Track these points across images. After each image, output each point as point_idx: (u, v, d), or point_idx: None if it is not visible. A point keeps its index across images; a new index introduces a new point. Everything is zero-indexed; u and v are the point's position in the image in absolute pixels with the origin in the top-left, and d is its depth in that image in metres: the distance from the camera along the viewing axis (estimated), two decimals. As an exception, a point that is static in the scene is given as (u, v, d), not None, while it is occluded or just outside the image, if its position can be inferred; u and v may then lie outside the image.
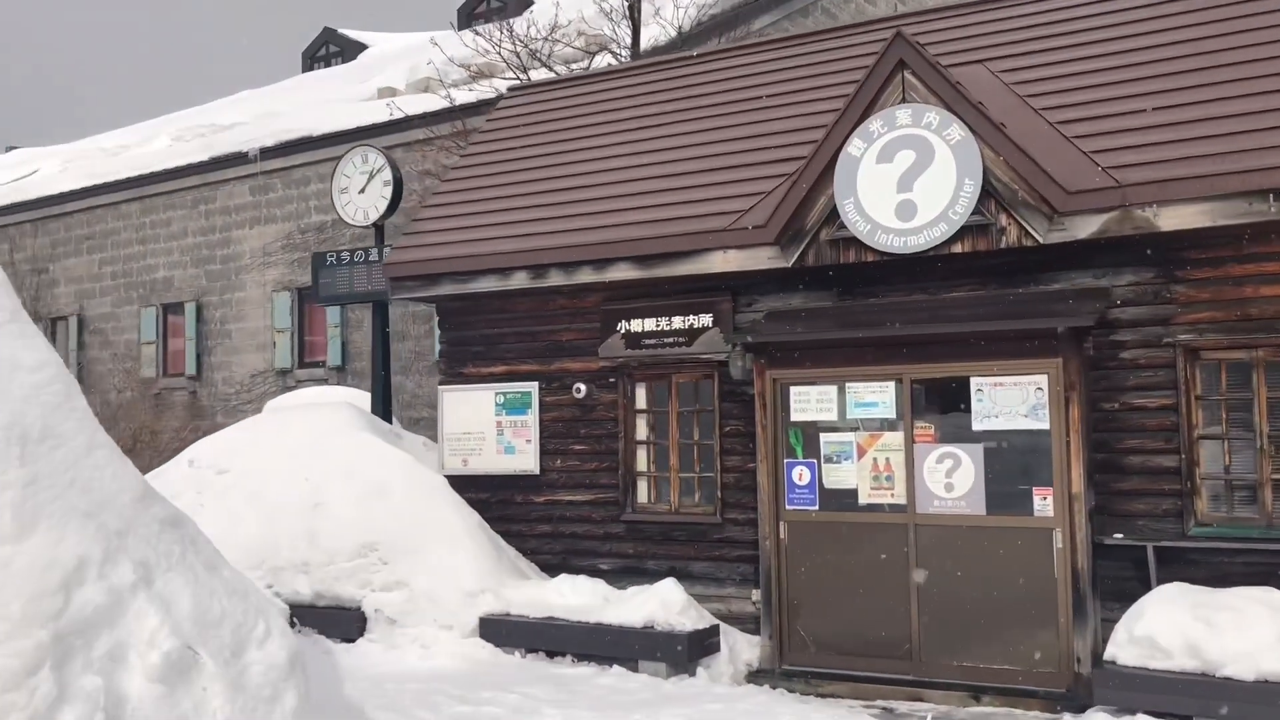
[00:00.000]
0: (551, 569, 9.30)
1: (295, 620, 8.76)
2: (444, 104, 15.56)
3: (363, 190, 10.62)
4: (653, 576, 8.83)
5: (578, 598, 8.39)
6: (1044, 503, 7.42)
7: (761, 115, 9.39)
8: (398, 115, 15.29)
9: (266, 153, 18.71)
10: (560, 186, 9.64)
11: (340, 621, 8.69)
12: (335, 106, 20.04)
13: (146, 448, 15.97)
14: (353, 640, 8.60)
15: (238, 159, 19.27)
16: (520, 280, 9.19)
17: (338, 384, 16.68)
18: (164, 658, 4.45)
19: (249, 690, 4.78)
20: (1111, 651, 6.78)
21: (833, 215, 8.07)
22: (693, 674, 7.84)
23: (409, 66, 20.19)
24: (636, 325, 9.06)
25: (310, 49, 27.14)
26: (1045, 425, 7.41)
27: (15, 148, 30.11)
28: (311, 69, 26.88)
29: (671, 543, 9.01)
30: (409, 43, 19.79)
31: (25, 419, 4.36)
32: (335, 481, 9.04)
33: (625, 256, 8.78)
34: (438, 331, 10.22)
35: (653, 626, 7.93)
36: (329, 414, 9.81)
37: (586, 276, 8.96)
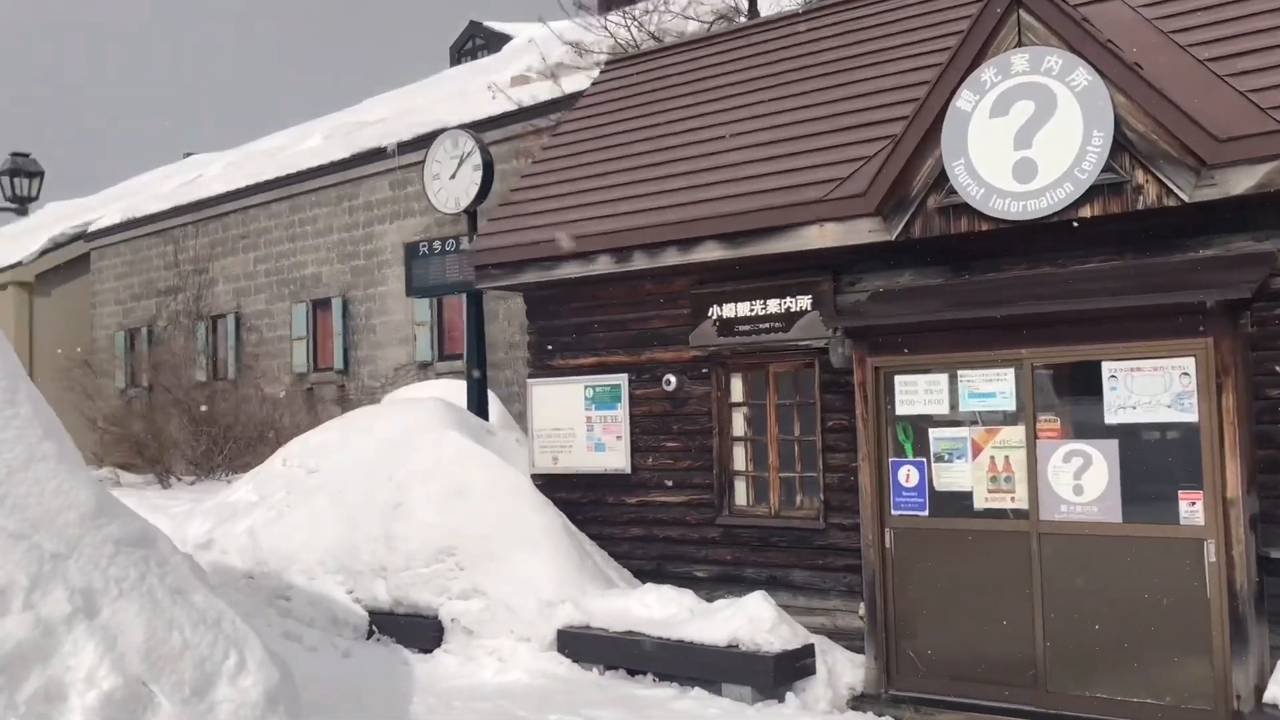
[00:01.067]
0: (645, 576, 8.53)
1: (374, 628, 8.29)
2: (576, 88, 14.98)
3: (453, 176, 10.05)
4: (751, 585, 7.97)
5: (663, 610, 7.59)
6: (1192, 509, 6.17)
7: (863, 74, 8.34)
8: (509, 105, 14.73)
9: (404, 147, 18.53)
10: (646, 163, 8.83)
11: (418, 630, 8.14)
12: (471, 98, 19.73)
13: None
14: (429, 651, 8.04)
15: (377, 154, 19.20)
16: (604, 265, 8.42)
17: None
18: (103, 697, 3.89)
19: (214, 732, 4.18)
20: (1276, 692, 5.55)
21: (941, 179, 6.98)
22: (781, 699, 6.92)
23: (543, 54, 19.70)
24: (729, 310, 8.16)
25: (458, 43, 27.09)
26: (1192, 417, 6.16)
27: (191, 154, 31.21)
28: (459, 63, 26.81)
29: (771, 549, 8.09)
30: (549, 31, 19.35)
31: (-56, 432, 3.88)
32: (415, 482, 8.49)
33: (712, 235, 7.89)
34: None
35: (737, 645, 7.05)
36: (417, 411, 9.29)
37: (672, 258, 8.11)
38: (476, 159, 9.91)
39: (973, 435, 6.92)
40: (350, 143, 20.73)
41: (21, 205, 15.77)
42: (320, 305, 20.40)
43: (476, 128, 17.16)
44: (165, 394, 15.05)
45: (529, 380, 9.22)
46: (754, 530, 8.17)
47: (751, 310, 8.07)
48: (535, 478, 8.99)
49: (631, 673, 7.51)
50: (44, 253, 24.14)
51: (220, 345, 22.40)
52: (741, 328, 8.12)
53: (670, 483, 8.52)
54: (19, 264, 23.87)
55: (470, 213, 10.14)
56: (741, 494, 8.36)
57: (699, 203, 8.07)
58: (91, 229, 24.10)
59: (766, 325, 8.02)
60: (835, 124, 8.04)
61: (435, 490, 8.35)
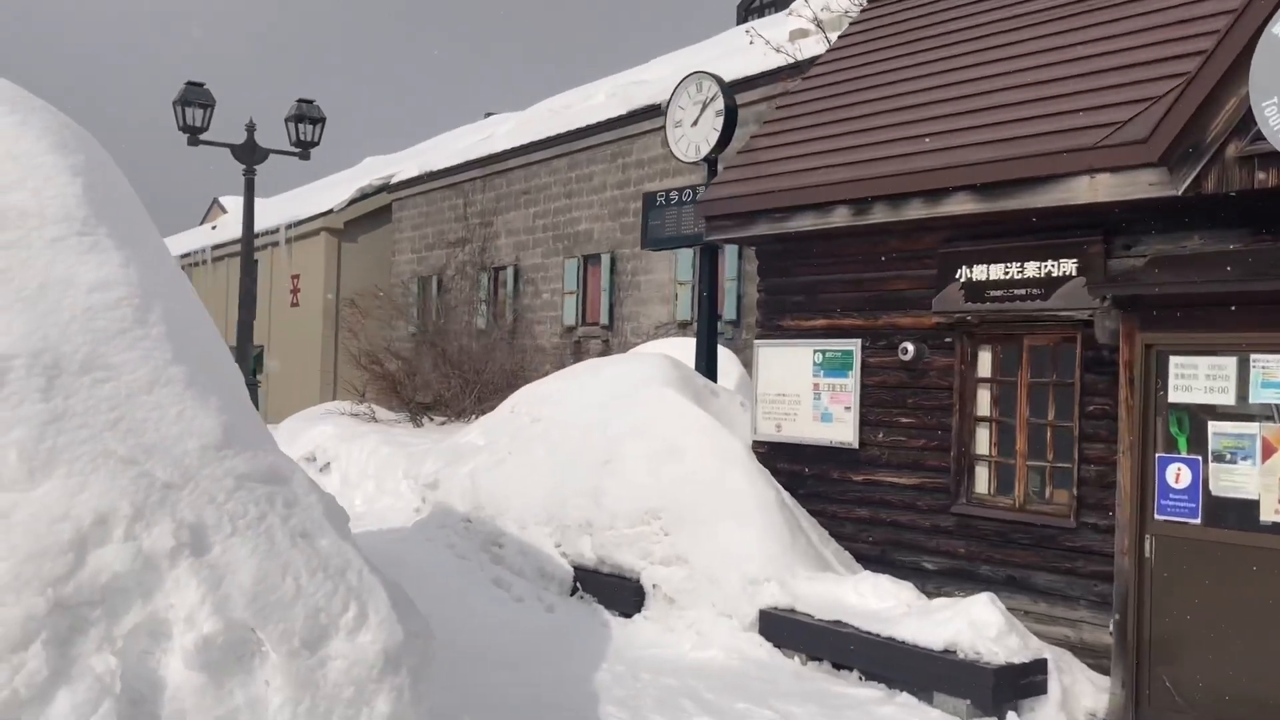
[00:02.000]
0: (868, 561, 7.68)
1: (579, 585, 7.91)
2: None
3: (695, 123, 9.42)
4: (985, 584, 6.98)
5: (877, 601, 6.74)
6: None
7: (1147, 3, 7.00)
8: (782, 60, 13.91)
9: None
10: (894, 108, 7.84)
11: (619, 592, 7.68)
12: (748, 53, 19.01)
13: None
14: (630, 616, 7.56)
15: (652, 111, 18.86)
16: (841, 216, 7.56)
17: (732, 339, 15.86)
18: (202, 641, 3.58)
19: (324, 690, 3.81)
20: None
21: (1245, 123, 5.67)
22: (1002, 718, 5.93)
23: (825, 5, 18.66)
24: (980, 272, 7.11)
25: (745, 1, 26.38)
26: None
27: (491, 113, 32.24)
28: (745, 21, 26.11)
29: (1012, 546, 7.03)
30: (835, -16, 18.41)
31: (63, 347, 3.66)
32: (627, 439, 8.01)
33: (963, 185, 6.86)
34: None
35: (955, 651, 6.10)
36: (638, 365, 8.79)
37: (916, 211, 7.14)
38: (719, 104, 9.22)
39: (1264, 433, 5.63)
40: (627, 99, 20.54)
41: (304, 150, 16.52)
42: (590, 261, 20.43)
43: (747, 84, 16.56)
44: (425, 336, 15.39)
45: (756, 341, 8.50)
46: (993, 523, 7.13)
47: (1006, 273, 6.98)
48: (757, 445, 8.29)
49: (836, 666, 6.71)
50: (352, 202, 25.56)
51: (502, 297, 22.94)
52: (993, 293, 7.05)
53: (901, 462, 7.60)
54: (330, 211, 25.41)
55: (710, 161, 9.48)
56: (982, 481, 7.32)
57: (950, 149, 7.05)
58: (393, 181, 25.28)
59: (1023, 291, 6.92)
60: (1112, 61, 6.78)
61: (646, 449, 7.83)
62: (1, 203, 3.88)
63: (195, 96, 15.22)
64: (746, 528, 7.28)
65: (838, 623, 6.67)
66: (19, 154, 4.01)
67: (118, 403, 3.70)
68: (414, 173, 24.84)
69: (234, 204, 35.06)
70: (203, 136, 15.69)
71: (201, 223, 36.41)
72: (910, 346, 7.46)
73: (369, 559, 4.46)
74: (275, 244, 27.21)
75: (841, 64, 8.88)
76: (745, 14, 26.44)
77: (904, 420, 7.59)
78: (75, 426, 3.58)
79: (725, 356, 11.66)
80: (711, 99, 9.29)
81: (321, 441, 11.45)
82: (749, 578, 7.09)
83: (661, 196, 9.79)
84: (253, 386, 16.94)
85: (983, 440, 7.31)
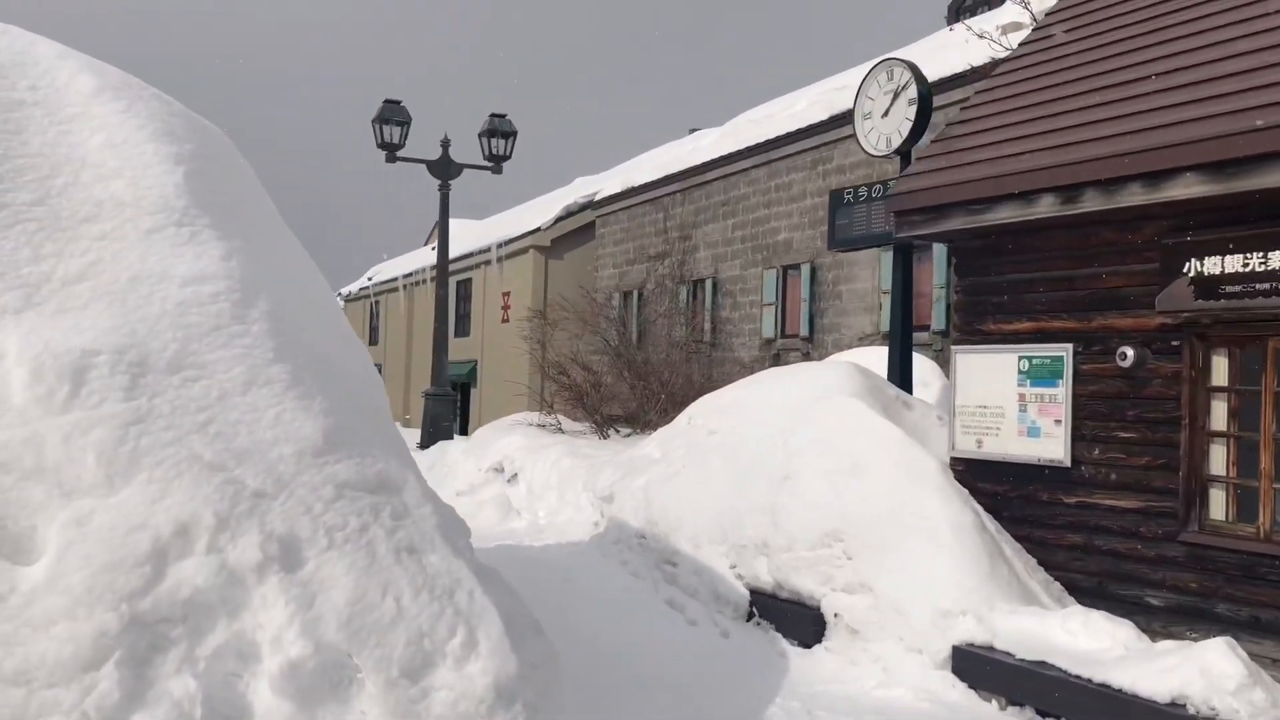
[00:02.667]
0: (1081, 594, 6.72)
1: (755, 610, 7.30)
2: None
3: (886, 113, 8.64)
4: (1224, 626, 5.94)
5: (1090, 640, 5.81)
6: None
7: None
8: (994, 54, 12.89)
9: (878, 106, 17.22)
10: (1104, 84, 6.87)
11: (798, 620, 7.00)
12: (953, 52, 17.91)
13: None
14: (809, 646, 6.88)
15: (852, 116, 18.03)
16: (1047, 206, 6.66)
17: (940, 350, 14.91)
18: (289, 666, 3.21)
19: (427, 725, 3.37)
20: None
21: None
22: (1244, 791, 4.92)
23: (1038, -2, 17.35)
24: (1212, 265, 6.07)
25: (956, 1, 25.05)
26: None
27: (696, 129, 31.98)
28: (957, 20, 24.81)
29: (1257, 583, 5.95)
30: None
31: (151, 343, 3.39)
32: (808, 453, 7.33)
33: (1191, 165, 5.87)
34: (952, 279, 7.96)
35: (1184, 706, 5.12)
36: (822, 374, 8.09)
37: (1135, 196, 6.18)
38: (912, 92, 8.43)
39: None
40: (828, 105, 19.76)
41: (497, 164, 16.56)
42: (790, 271, 19.76)
43: (952, 82, 15.56)
44: (612, 347, 15.10)
45: (953, 347, 7.65)
46: (1233, 554, 6.06)
47: (1246, 265, 5.93)
48: (954, 462, 7.45)
49: (1040, 714, 5.82)
50: (558, 220, 25.79)
51: (699, 309, 22.55)
52: (1229, 288, 6.00)
53: (1120, 482, 6.61)
54: (538, 229, 25.72)
55: (903, 154, 8.69)
56: (1217, 505, 6.25)
57: (1172, 125, 6.06)
58: (596, 198, 25.35)
59: (1267, 285, 5.86)
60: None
61: (827, 465, 7.13)
62: (98, 193, 3.69)
63: (392, 114, 15.54)
64: (939, 553, 6.47)
65: (1042, 664, 5.78)
66: (119, 142, 3.83)
67: (208, 404, 3.40)
68: (616, 189, 24.83)
69: (453, 225, 36.23)
70: (400, 153, 16.00)
71: (425, 244, 37.78)
72: (1130, 351, 6.47)
73: (495, 578, 4.03)
74: (488, 262, 27.79)
75: (1045, 44, 7.93)
76: (956, 14, 25.11)
77: (1123, 435, 6.60)
78: (160, 429, 3.29)
79: (926, 366, 10.78)
80: (904, 87, 8.50)
81: (509, 452, 11.27)
82: (941, 609, 6.29)
83: (850, 193, 9.07)
84: (448, 398, 17.13)
85: (1218, 459, 6.24)
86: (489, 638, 3.51)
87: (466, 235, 31.47)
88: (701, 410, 8.79)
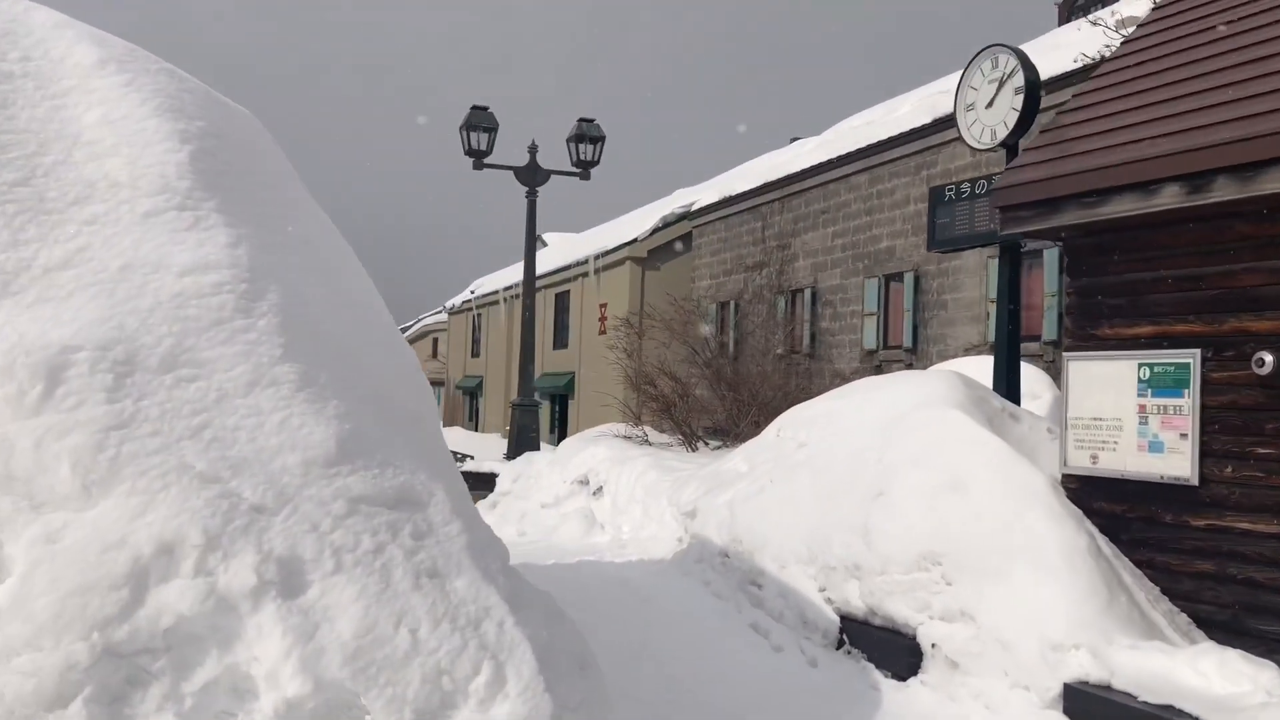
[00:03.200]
0: (1213, 628, 5.97)
1: (845, 637, 6.72)
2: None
3: (990, 103, 7.98)
4: (1383, 670, 5.16)
5: (1225, 683, 5.11)
6: None
7: None
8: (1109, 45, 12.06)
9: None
10: (1239, 61, 6.13)
11: (892, 650, 6.41)
12: (1061, 52, 17.03)
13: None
14: (904, 679, 6.28)
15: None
16: (1171, 196, 5.96)
17: (1051, 360, 14.09)
18: (285, 707, 2.81)
19: (448, 775, 2.94)
20: None
21: None
22: None
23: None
24: (1367, 260, 5.32)
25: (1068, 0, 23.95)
26: None
27: (797, 138, 31.33)
28: (1070, 19, 23.72)
29: None
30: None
31: (142, 338, 3.03)
32: (904, 468, 6.73)
33: (1342, 146, 5.15)
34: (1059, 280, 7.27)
35: (1340, 766, 4.41)
36: (920, 383, 7.47)
37: (1274, 183, 5.46)
38: (1018, 79, 7.76)
39: None
40: (932, 109, 18.99)
41: (585, 170, 16.22)
42: (892, 280, 19.02)
43: (1062, 81, 14.76)
44: (700, 357, 14.58)
45: (1065, 355, 6.96)
46: (1391, 588, 5.29)
47: (1406, 259, 5.18)
48: (1066, 480, 6.76)
49: (1167, 765, 5.13)
50: (654, 230, 25.43)
51: (797, 319, 21.91)
52: (1387, 286, 5.25)
53: (1258, 503, 5.86)
54: (634, 241, 25.40)
55: (1009, 147, 8.01)
56: (1374, 532, 5.48)
57: (1321, 99, 5.34)
58: (693, 208, 24.91)
59: None
60: None
61: (924, 481, 6.52)
62: (90, 172, 3.36)
63: (480, 120, 15.32)
64: (1048, 580, 5.82)
65: (1169, 708, 5.10)
66: (118, 117, 3.51)
67: (203, 407, 3.03)
68: (714, 198, 24.35)
69: (553, 238, 36.19)
70: (487, 160, 15.76)
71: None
72: (1268, 358, 5.73)
73: (538, 603, 3.58)
74: (585, 274, 27.58)
75: (1166, 24, 7.20)
76: (1068, 14, 24.02)
77: (1261, 451, 5.85)
78: (146, 434, 2.93)
79: (1035, 377, 10.03)
80: (1009, 74, 7.84)
81: (594, 464, 10.86)
82: (1051, 642, 5.63)
83: (951, 190, 8.42)
84: (535, 409, 16.84)
85: (1375, 479, 5.47)
86: (519, 675, 3.07)
87: (565, 248, 31.36)
88: (790, 422, 8.23)
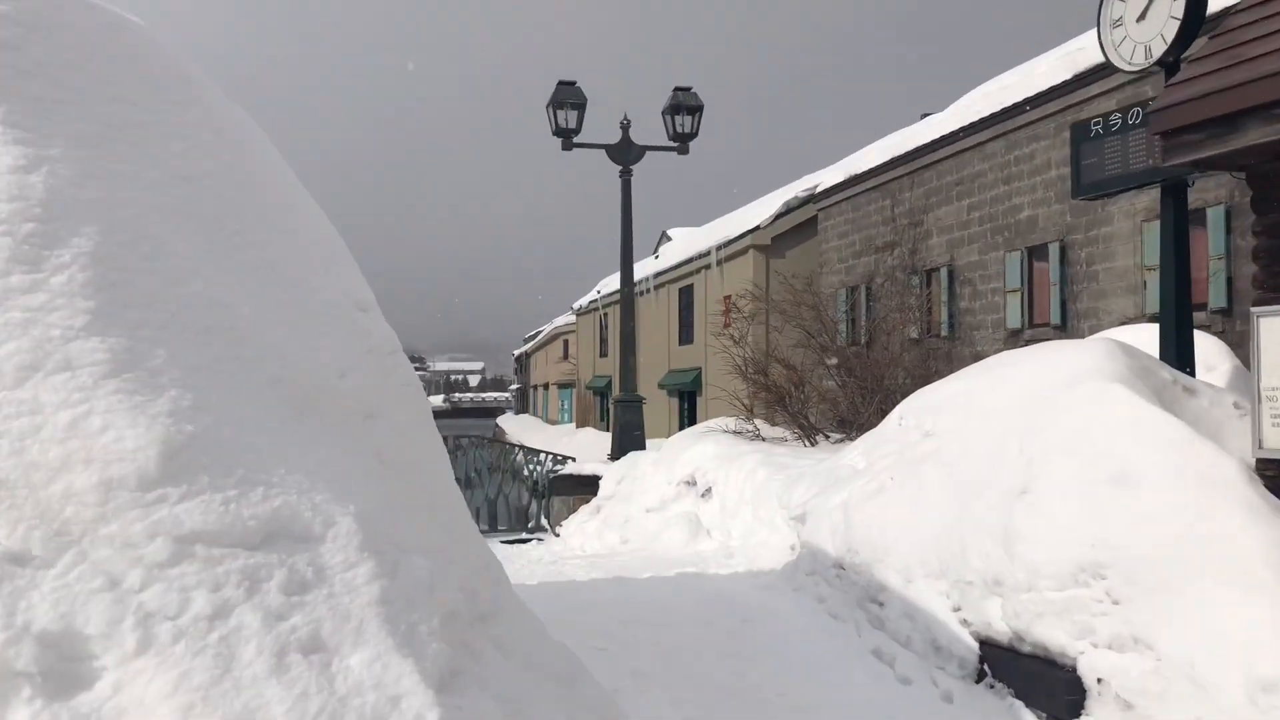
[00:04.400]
0: None
1: (986, 667, 5.46)
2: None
3: (1142, 15, 6.54)
4: None
5: None
6: None
7: None
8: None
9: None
10: None
11: (1046, 684, 5.10)
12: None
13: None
14: (1063, 720, 4.97)
15: (1101, 71, 15.49)
16: (1398, 95, 4.51)
17: (1221, 331, 12.33)
18: None
19: None
20: None
21: None
22: None
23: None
24: None
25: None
26: None
27: (928, 114, 29.53)
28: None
29: None
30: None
31: None
32: (1053, 458, 5.41)
33: None
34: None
35: None
36: (1071, 355, 6.10)
37: None
38: (1178, -18, 6.30)
39: None
40: (1072, 64, 17.19)
41: (683, 144, 15.06)
42: (1035, 253, 17.30)
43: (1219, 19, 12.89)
44: (815, 341, 13.28)
45: (1253, 310, 5.52)
46: None
47: None
48: (1263, 466, 5.33)
49: None
50: (778, 216, 24.16)
51: (934, 301, 20.30)
52: None
53: None
54: (757, 228, 24.18)
55: (1167, 65, 6.54)
56: None
57: None
58: (817, 190, 23.53)
59: None
60: None
61: (1080, 473, 5.19)
62: None
63: (567, 96, 14.27)
64: (1252, 597, 4.44)
65: None
66: None
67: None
68: (839, 178, 22.91)
69: (677, 233, 35.20)
70: (576, 139, 14.71)
71: (653, 255, 36.96)
72: None
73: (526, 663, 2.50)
74: (708, 266, 26.49)
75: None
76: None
77: None
78: None
79: (1210, 345, 8.47)
80: (1166, -23, 6.38)
81: (700, 463, 9.76)
82: (1261, 680, 4.27)
83: (1098, 124, 6.99)
84: (637, 405, 15.75)
85: None
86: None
87: (688, 242, 30.35)
88: (914, 408, 6.96)
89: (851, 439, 10.32)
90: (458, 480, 11.61)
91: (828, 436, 10.84)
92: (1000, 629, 5.37)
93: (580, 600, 7.08)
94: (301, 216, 3.13)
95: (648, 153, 15.02)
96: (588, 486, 11.81)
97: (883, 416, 10.53)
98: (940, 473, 6.05)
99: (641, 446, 14.24)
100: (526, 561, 9.50)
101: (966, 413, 6.27)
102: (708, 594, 6.99)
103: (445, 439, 14.65)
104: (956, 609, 5.64)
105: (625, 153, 14.79)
